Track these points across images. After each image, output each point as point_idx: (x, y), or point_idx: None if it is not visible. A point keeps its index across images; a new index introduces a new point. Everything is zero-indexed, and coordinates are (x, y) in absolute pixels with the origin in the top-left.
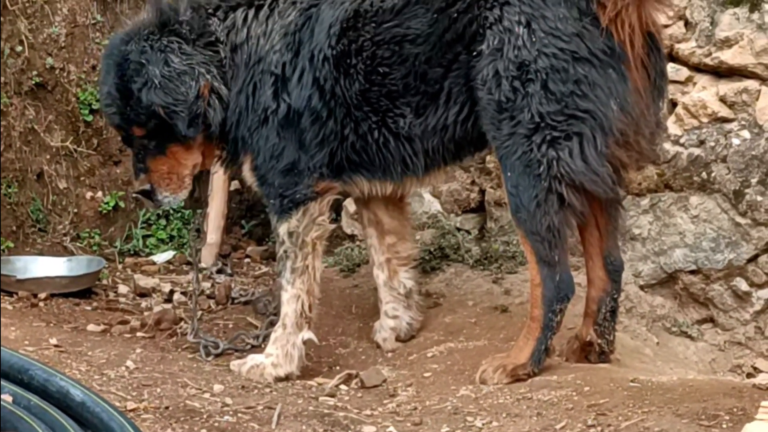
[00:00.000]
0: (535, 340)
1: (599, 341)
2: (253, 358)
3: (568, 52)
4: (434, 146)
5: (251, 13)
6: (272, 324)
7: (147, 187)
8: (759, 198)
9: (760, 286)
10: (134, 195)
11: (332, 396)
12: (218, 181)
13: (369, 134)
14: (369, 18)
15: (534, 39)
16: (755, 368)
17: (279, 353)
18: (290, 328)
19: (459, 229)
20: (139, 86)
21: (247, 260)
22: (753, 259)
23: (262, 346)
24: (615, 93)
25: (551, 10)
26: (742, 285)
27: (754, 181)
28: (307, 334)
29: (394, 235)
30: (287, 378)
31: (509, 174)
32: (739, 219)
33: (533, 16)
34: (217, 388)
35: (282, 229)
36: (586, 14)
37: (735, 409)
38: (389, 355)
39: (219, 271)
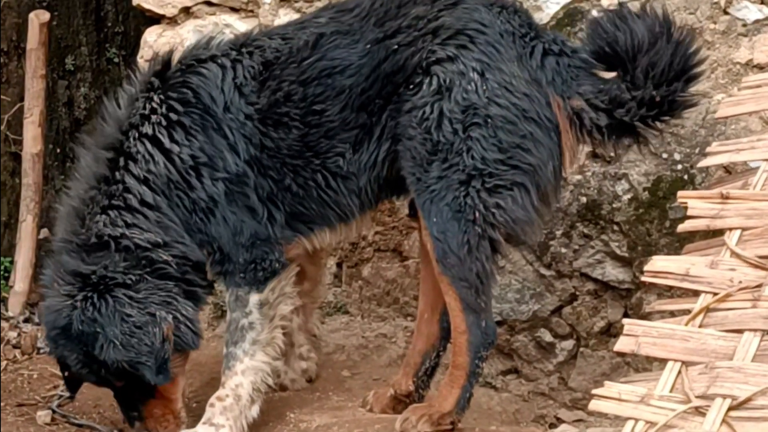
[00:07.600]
0: (460, 387)
1: (415, 395)
2: None
3: (519, 108)
4: (365, 185)
5: (127, 169)
6: None
7: None
8: (563, 250)
9: (563, 338)
10: None
11: None
12: (27, 228)
13: (312, 180)
14: (285, 61)
15: (486, 87)
16: (558, 418)
17: (232, 425)
18: (245, 401)
19: None
20: (99, 351)
21: None
22: (557, 310)
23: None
24: (553, 156)
25: (507, 65)
26: (546, 336)
27: (558, 233)
28: (257, 409)
29: (312, 280)
30: None
31: (435, 219)
32: (543, 270)
33: (488, 66)
34: None
35: (252, 300)
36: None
37: None
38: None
39: (26, 320)
